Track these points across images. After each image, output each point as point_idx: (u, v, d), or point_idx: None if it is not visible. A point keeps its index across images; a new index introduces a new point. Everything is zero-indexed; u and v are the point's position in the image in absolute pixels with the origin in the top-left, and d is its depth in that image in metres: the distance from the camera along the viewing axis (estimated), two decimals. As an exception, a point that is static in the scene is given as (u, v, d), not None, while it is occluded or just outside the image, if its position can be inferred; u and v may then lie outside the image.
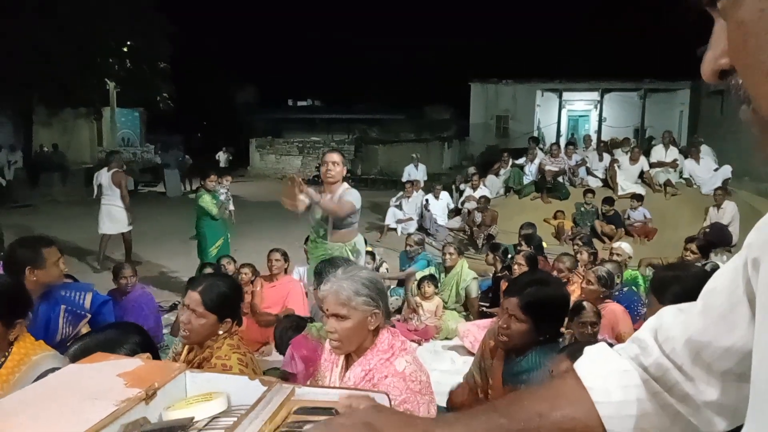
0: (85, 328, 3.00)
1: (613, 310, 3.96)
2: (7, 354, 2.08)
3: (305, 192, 3.98)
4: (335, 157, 4.16)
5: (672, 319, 0.80)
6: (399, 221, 10.66)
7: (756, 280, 0.65)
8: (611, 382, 0.78)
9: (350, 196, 4.10)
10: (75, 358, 1.50)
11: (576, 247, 6.53)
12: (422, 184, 11.66)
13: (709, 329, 0.73)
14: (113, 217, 8.17)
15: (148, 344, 1.81)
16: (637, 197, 9.50)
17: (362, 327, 2.01)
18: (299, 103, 35.46)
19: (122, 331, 1.81)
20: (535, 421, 0.75)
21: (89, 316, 3.00)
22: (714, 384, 0.73)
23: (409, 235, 7.29)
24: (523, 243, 6.65)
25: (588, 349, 0.85)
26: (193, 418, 1.07)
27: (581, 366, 0.81)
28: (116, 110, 22.41)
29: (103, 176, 8.35)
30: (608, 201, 9.46)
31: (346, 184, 4.22)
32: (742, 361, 0.67)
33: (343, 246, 4.20)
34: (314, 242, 4.32)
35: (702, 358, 0.74)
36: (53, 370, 1.96)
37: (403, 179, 13.11)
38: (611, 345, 0.87)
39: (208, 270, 5.31)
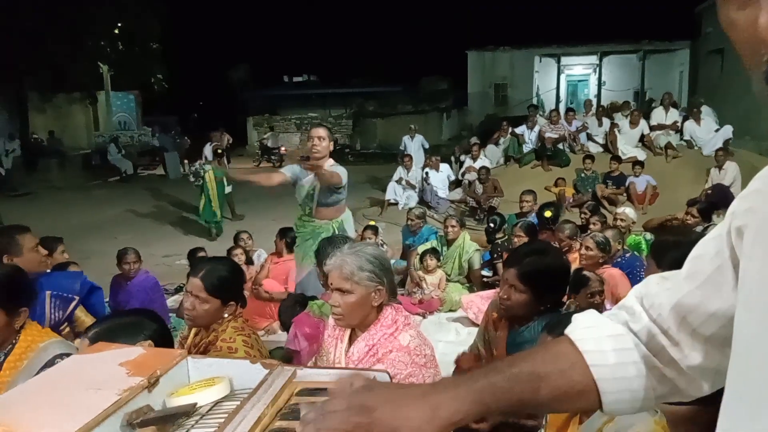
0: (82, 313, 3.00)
1: (612, 274, 3.99)
2: (14, 342, 2.11)
3: (294, 163, 3.96)
4: (321, 132, 4.04)
5: (657, 287, 0.81)
6: (407, 184, 10.68)
7: (740, 248, 0.66)
8: (605, 345, 0.79)
9: (337, 170, 4.05)
10: (96, 340, 1.53)
11: (583, 216, 6.42)
12: (418, 158, 11.54)
13: (694, 294, 0.74)
14: None
15: (165, 332, 1.84)
16: (639, 164, 9.39)
17: (365, 302, 2.01)
18: (295, 79, 35.00)
19: (143, 318, 1.83)
20: (536, 383, 0.76)
21: (77, 297, 3.01)
22: (698, 349, 0.75)
23: (411, 209, 7.26)
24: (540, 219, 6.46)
25: (578, 316, 0.86)
26: (196, 404, 1.08)
27: (575, 331, 0.82)
28: (111, 94, 22.24)
29: (207, 150, 10.58)
30: (616, 159, 9.51)
31: (332, 161, 4.11)
32: (727, 326, 0.68)
33: (330, 223, 4.17)
34: (301, 219, 4.30)
35: (688, 322, 0.75)
36: (61, 356, 1.98)
37: (402, 149, 13.18)
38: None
39: (202, 254, 5.38)
